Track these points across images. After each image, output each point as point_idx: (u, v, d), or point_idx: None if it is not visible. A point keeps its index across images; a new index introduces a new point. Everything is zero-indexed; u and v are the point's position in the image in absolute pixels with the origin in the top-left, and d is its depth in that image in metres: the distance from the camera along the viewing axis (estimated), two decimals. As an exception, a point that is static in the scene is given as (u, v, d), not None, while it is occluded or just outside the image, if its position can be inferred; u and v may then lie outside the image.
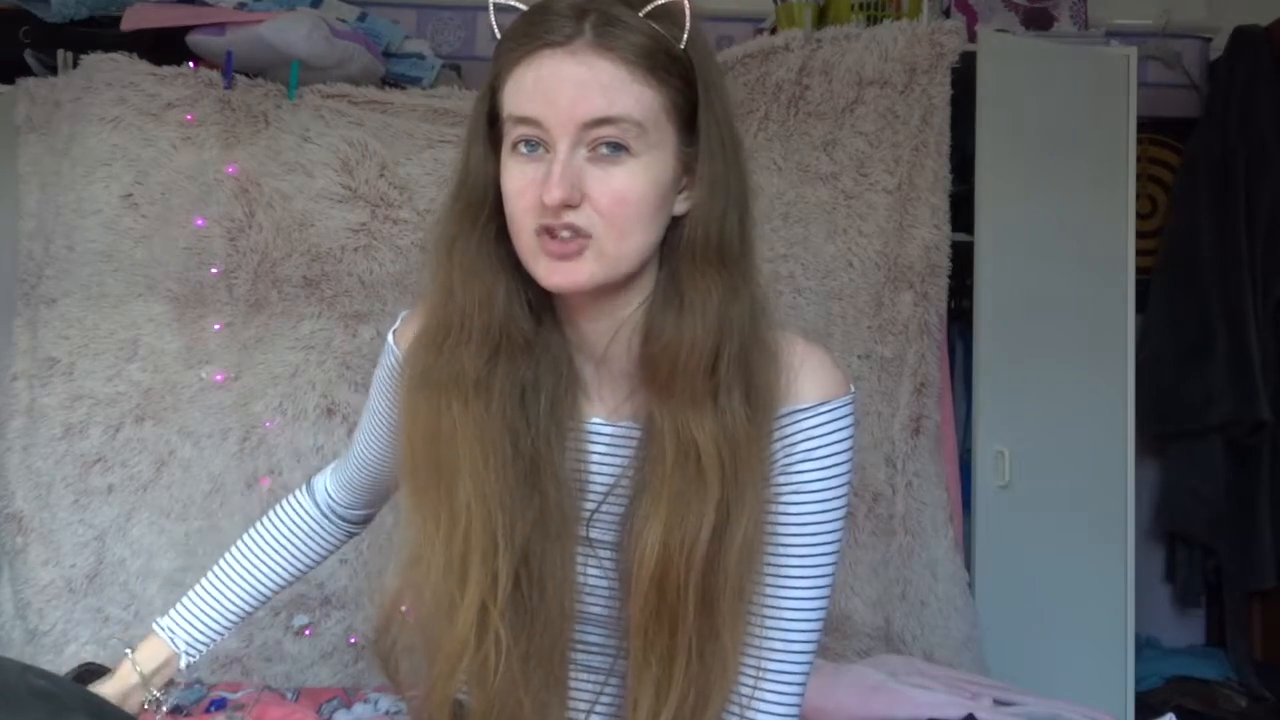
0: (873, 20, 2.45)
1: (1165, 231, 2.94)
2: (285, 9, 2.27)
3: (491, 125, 0.94)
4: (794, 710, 0.98)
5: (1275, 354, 2.79)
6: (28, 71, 2.33)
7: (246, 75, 2.27)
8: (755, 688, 0.96)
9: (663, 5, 0.89)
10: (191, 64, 2.25)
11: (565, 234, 0.88)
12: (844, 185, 2.31)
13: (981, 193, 2.42)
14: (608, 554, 0.99)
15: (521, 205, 0.90)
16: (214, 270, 2.19)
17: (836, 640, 2.19)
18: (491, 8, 0.93)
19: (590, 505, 0.99)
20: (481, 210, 0.95)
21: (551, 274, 0.90)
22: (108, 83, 2.19)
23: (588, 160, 0.88)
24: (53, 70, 2.32)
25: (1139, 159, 2.61)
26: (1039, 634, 2.35)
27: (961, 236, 2.38)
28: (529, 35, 0.88)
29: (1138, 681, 2.51)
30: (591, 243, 0.89)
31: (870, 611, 2.22)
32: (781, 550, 0.96)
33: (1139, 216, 2.60)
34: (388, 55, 2.46)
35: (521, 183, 0.90)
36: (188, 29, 2.22)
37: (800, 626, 0.97)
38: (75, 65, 2.25)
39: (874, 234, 2.29)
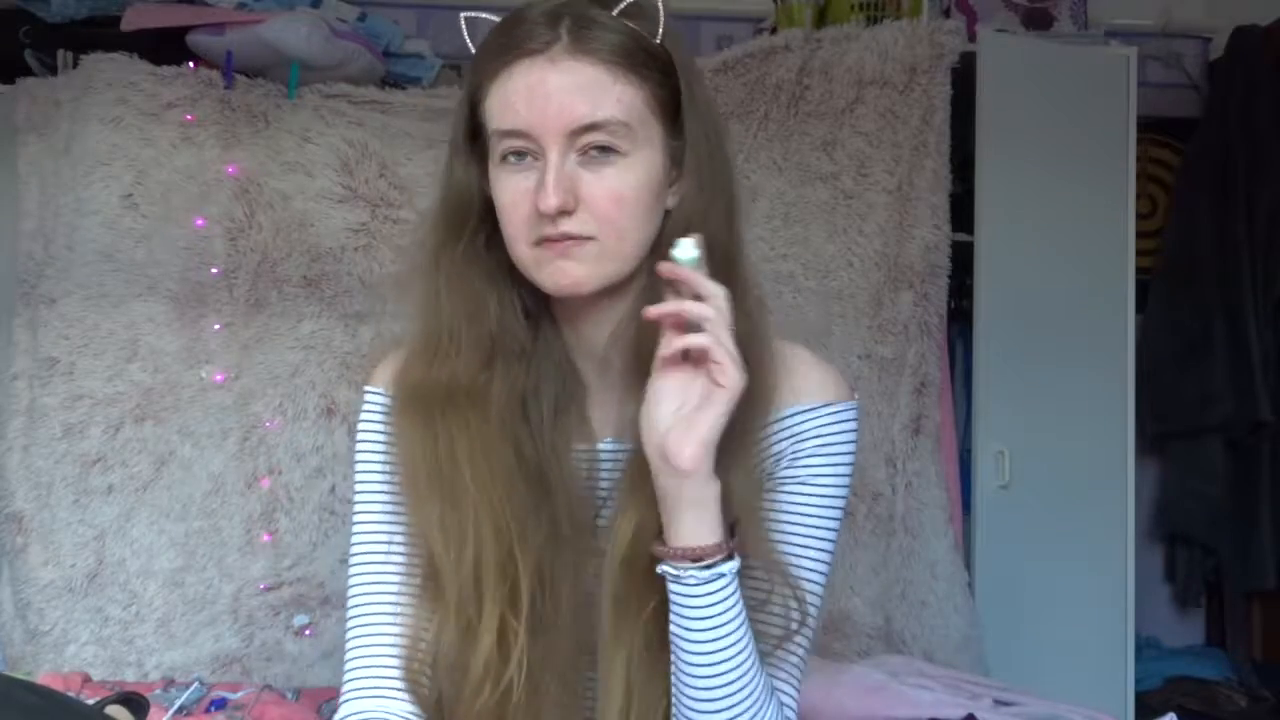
0: (873, 20, 2.44)
1: (1165, 231, 2.94)
2: (285, 9, 2.27)
3: (473, 138, 0.94)
4: (793, 701, 0.97)
5: (1275, 354, 2.79)
6: (28, 71, 2.32)
7: (246, 75, 2.26)
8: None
9: (635, 2, 0.89)
10: (191, 64, 2.25)
11: (565, 242, 0.88)
12: (844, 185, 2.31)
13: (981, 193, 2.42)
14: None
15: (518, 217, 0.89)
16: (214, 270, 2.19)
17: (836, 640, 2.19)
18: (463, 21, 0.93)
19: (604, 518, 0.98)
20: (467, 221, 0.95)
21: (556, 277, 0.90)
22: (108, 83, 2.19)
23: (579, 164, 0.88)
24: (53, 70, 2.31)
25: (1139, 159, 2.61)
26: (1039, 634, 2.35)
27: (961, 236, 2.38)
28: (506, 46, 0.88)
29: (1138, 681, 2.51)
30: (592, 244, 0.89)
31: (870, 611, 2.22)
32: (783, 539, 0.95)
33: (1139, 216, 2.60)
34: (388, 55, 2.46)
35: (515, 194, 0.89)
36: (188, 29, 2.22)
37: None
38: (75, 65, 2.25)
39: (874, 234, 2.29)
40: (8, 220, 2.24)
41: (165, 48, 2.24)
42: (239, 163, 2.21)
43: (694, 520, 0.86)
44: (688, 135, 0.92)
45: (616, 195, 0.88)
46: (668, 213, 0.93)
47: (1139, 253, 2.57)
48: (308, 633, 2.11)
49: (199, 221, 2.19)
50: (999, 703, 1.69)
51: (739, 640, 0.88)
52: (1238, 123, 2.81)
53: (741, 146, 2.31)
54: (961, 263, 2.38)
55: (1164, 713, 1.73)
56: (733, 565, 0.87)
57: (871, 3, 2.49)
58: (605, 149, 0.88)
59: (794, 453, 0.96)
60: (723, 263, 0.91)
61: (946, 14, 2.75)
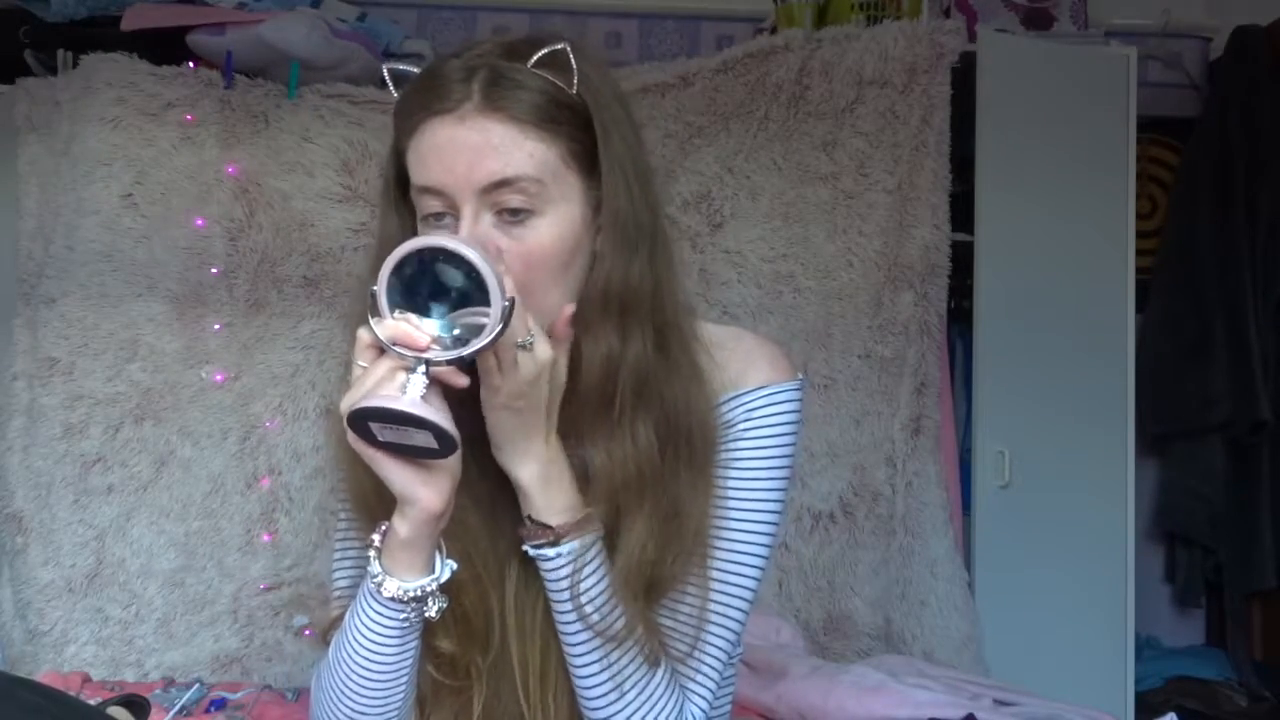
0: (873, 20, 2.44)
1: (1165, 231, 2.94)
2: (285, 9, 2.27)
3: (402, 185, 0.94)
4: (705, 703, 0.97)
5: (1275, 354, 2.78)
6: (28, 71, 2.32)
7: (246, 75, 2.26)
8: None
9: (550, 53, 0.89)
10: (191, 64, 2.25)
11: None
12: (844, 185, 2.31)
13: (981, 193, 2.42)
14: None
15: None
16: (214, 270, 2.19)
17: (836, 640, 2.19)
18: (386, 73, 0.94)
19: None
20: None
21: None
22: (108, 83, 2.19)
23: (494, 225, 0.88)
24: (53, 70, 2.31)
25: (1139, 159, 2.61)
26: (1039, 634, 2.35)
27: (961, 236, 2.38)
28: (420, 104, 0.89)
29: (1138, 681, 2.51)
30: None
31: (870, 611, 2.22)
32: (715, 524, 0.96)
33: (1139, 216, 2.60)
34: (388, 55, 2.46)
35: None
36: (188, 29, 2.22)
37: (723, 605, 0.96)
38: (75, 65, 2.25)
39: (874, 234, 2.29)
40: (8, 220, 2.24)
41: (165, 48, 2.24)
42: (239, 163, 2.21)
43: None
44: (604, 186, 0.91)
45: (531, 256, 0.88)
46: (595, 255, 0.93)
47: (1139, 252, 2.56)
48: (307, 633, 2.11)
49: (199, 221, 2.19)
50: (999, 703, 1.69)
51: (579, 622, 0.91)
52: (1238, 123, 2.80)
53: (741, 146, 2.31)
54: (961, 263, 2.38)
55: (1164, 713, 1.73)
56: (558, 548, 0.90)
57: (871, 3, 2.49)
58: (518, 210, 0.88)
59: (727, 440, 0.97)
60: (638, 310, 0.92)
61: (946, 14, 2.74)
